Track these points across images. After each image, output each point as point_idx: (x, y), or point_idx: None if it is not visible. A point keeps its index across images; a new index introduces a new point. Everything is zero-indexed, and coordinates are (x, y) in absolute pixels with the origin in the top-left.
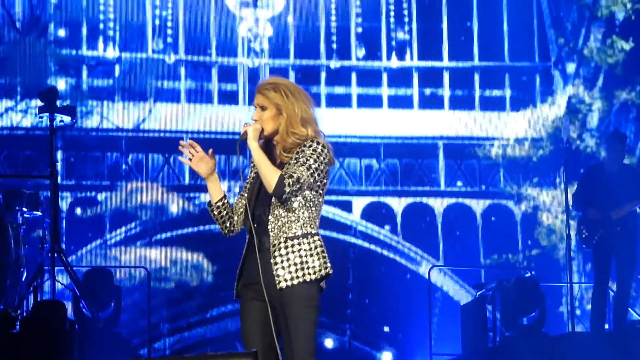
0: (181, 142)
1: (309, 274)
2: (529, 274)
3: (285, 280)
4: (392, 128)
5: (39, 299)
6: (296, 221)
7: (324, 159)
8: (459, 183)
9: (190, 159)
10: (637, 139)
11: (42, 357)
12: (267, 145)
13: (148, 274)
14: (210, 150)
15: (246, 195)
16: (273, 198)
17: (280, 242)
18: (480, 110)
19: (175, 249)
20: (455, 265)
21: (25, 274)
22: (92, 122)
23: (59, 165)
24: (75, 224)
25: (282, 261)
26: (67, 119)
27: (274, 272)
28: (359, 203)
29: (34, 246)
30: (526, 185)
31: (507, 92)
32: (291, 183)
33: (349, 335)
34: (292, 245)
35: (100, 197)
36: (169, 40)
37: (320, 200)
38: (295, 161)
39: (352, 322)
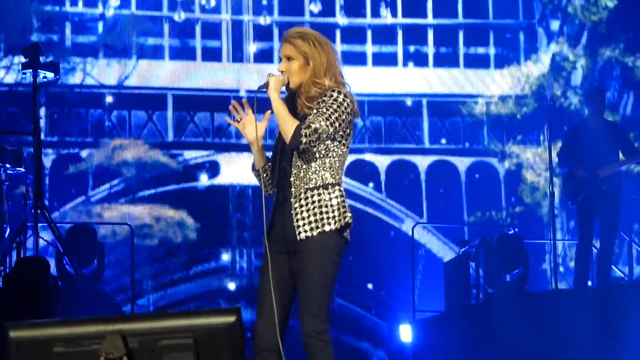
0: (233, 101)
1: (328, 223)
2: (512, 231)
3: (305, 231)
4: (376, 86)
5: (21, 256)
6: (316, 172)
7: (345, 108)
8: (443, 140)
9: (238, 121)
10: (621, 97)
11: (25, 314)
12: (292, 96)
13: (131, 230)
14: (267, 113)
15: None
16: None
17: (300, 194)
18: (464, 67)
19: (158, 206)
20: (438, 223)
21: (8, 231)
22: (75, 78)
23: (42, 122)
24: (59, 181)
25: (301, 212)
26: (50, 75)
27: (295, 224)
28: None
29: (17, 203)
30: (510, 142)
31: (491, 50)
32: (308, 133)
33: None
34: (312, 196)
35: (84, 153)
36: None
37: (344, 150)
38: (315, 111)
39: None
